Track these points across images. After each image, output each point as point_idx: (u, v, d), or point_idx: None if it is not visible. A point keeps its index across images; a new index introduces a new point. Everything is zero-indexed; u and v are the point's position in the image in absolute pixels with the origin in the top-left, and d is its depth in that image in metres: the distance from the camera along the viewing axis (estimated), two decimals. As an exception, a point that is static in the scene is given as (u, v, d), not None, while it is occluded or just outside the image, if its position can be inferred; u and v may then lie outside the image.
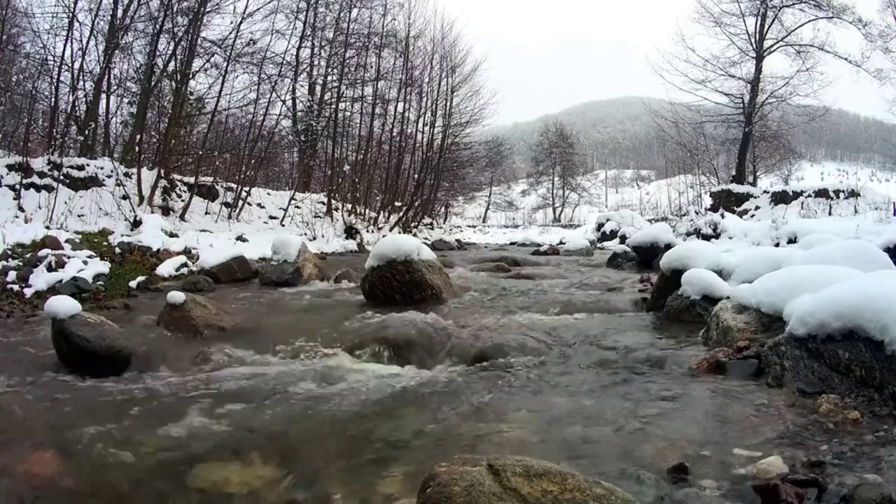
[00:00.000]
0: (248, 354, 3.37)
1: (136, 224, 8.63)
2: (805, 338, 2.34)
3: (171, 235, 8.69)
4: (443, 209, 28.36)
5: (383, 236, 11.80)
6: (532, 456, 1.49)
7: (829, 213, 13.45)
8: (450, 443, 2.08)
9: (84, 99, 11.36)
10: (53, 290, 5.21)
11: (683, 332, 3.62)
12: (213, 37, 12.87)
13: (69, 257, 6.01)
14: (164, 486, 1.84)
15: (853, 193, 14.71)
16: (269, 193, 14.85)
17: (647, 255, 8.33)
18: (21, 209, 7.93)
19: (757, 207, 16.83)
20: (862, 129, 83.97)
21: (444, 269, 5.59)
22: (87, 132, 11.04)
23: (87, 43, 11.03)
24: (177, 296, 3.94)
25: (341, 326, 3.99)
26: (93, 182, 9.64)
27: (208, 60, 12.86)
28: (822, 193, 15.73)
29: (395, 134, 18.66)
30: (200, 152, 12.09)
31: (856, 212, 12.34)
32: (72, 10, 10.54)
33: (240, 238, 9.93)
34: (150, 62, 11.73)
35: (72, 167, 9.49)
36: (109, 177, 9.91)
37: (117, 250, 7.06)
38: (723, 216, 12.74)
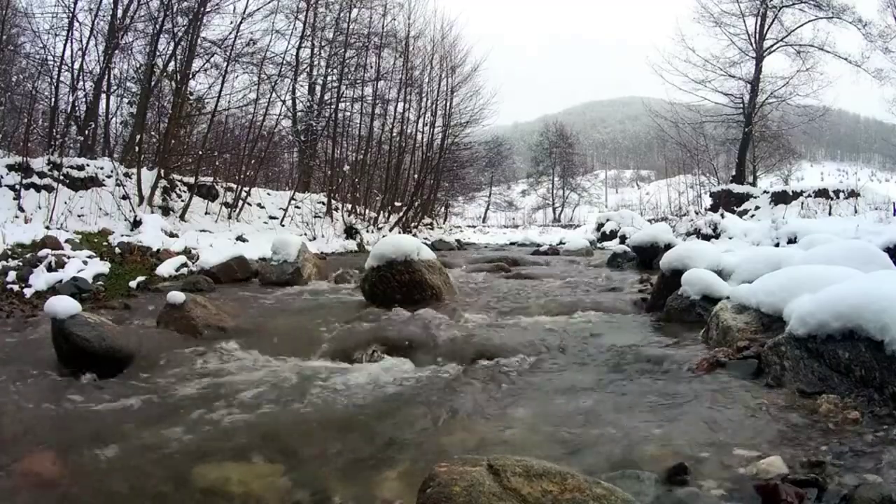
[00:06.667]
0: (248, 354, 3.37)
1: (136, 224, 8.63)
2: (805, 338, 2.34)
3: (171, 235, 8.69)
4: (443, 209, 28.35)
5: (383, 236, 11.79)
6: (532, 456, 1.50)
7: (829, 213, 13.44)
8: (450, 443, 2.08)
9: (84, 99, 11.35)
10: (53, 290, 5.21)
11: (683, 332, 3.62)
12: (212, 37, 12.86)
13: (69, 257, 6.01)
14: (164, 486, 1.84)
15: (853, 193, 14.70)
16: (269, 193, 14.83)
17: (647, 256, 8.33)
18: (21, 209, 7.92)
19: (757, 207, 16.83)
20: (862, 129, 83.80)
21: (444, 270, 5.59)
22: (87, 132, 11.03)
23: (87, 43, 11.02)
24: (177, 296, 3.94)
25: (341, 326, 3.99)
26: (93, 182, 9.63)
27: (208, 60, 12.85)
28: (821, 193, 15.72)
29: (395, 134, 18.65)
30: (200, 152, 12.07)
31: (856, 212, 12.33)
32: (72, 10, 10.54)
33: (240, 238, 9.93)
34: (150, 62, 11.71)
35: (72, 167, 9.48)
36: (109, 177, 9.89)
37: (117, 250, 7.06)
38: (723, 216, 12.73)
